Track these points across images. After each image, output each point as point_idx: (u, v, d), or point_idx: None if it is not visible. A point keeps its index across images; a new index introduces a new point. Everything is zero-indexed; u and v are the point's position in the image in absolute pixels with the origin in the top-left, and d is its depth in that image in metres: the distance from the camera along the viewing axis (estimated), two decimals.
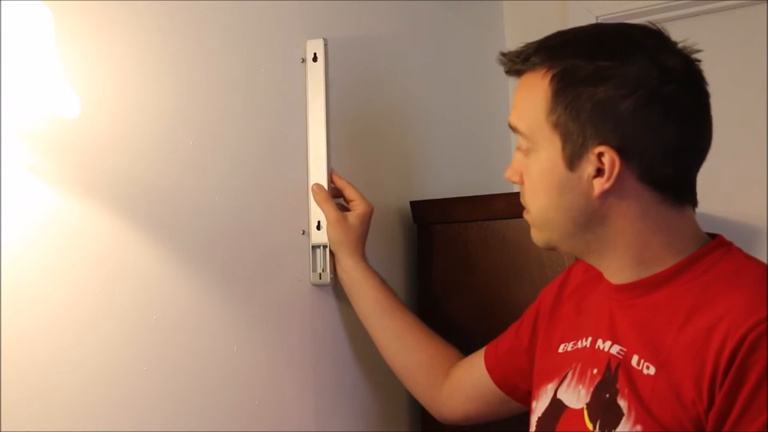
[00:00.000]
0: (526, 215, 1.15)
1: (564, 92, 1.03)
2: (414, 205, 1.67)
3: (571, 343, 1.16)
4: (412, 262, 1.68)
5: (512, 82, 2.07)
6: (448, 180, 1.82)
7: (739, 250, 1.08)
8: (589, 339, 1.12)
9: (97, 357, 1.10)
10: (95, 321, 1.11)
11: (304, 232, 1.43)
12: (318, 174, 1.43)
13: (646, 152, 1.03)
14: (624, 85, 1.01)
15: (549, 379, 1.16)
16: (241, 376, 1.31)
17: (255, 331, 1.34)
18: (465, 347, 1.42)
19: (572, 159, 1.04)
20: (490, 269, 1.59)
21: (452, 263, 1.63)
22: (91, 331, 1.10)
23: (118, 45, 1.16)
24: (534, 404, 1.18)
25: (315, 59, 1.43)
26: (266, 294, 1.36)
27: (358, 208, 1.44)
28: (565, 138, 1.04)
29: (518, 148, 1.11)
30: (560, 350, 1.17)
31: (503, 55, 1.12)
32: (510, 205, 1.60)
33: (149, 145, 1.20)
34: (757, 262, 1.05)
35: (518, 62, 1.09)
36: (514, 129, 1.11)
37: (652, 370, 1.00)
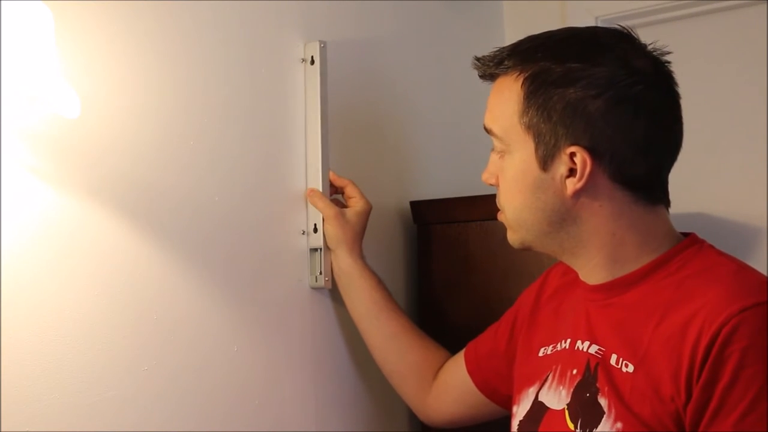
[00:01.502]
0: (500, 216, 1.17)
1: (535, 94, 1.06)
2: (414, 205, 1.67)
3: (551, 347, 1.17)
4: (412, 262, 1.68)
5: None
6: (448, 180, 1.82)
7: (711, 247, 1.10)
8: (568, 340, 1.13)
9: (97, 357, 1.11)
10: (95, 321, 1.11)
11: (304, 232, 1.43)
12: (314, 175, 1.42)
13: (617, 152, 1.05)
14: (593, 86, 1.03)
15: (530, 383, 1.17)
16: (241, 376, 1.31)
17: (255, 331, 1.34)
18: (464, 347, 1.42)
19: (545, 159, 1.06)
20: (490, 269, 1.59)
21: (452, 263, 1.63)
22: (91, 331, 1.10)
23: (118, 45, 1.16)
24: (515, 408, 1.19)
25: (312, 62, 1.43)
26: (266, 294, 1.36)
27: (356, 205, 1.44)
28: (538, 139, 1.06)
29: (493, 151, 1.14)
30: (540, 354, 1.18)
31: (477, 59, 1.13)
32: None
33: (149, 145, 1.20)
34: (729, 258, 1.08)
35: (491, 66, 1.11)
36: (488, 131, 1.13)
37: (630, 368, 1.01)
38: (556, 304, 1.22)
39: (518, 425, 1.17)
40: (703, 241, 1.11)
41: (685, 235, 1.12)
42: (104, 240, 1.13)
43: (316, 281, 1.42)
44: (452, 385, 1.37)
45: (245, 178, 1.35)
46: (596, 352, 1.07)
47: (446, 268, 1.63)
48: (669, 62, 1.10)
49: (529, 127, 1.07)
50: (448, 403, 1.38)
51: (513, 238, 1.15)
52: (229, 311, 1.30)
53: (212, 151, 1.29)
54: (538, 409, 1.13)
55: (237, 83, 1.35)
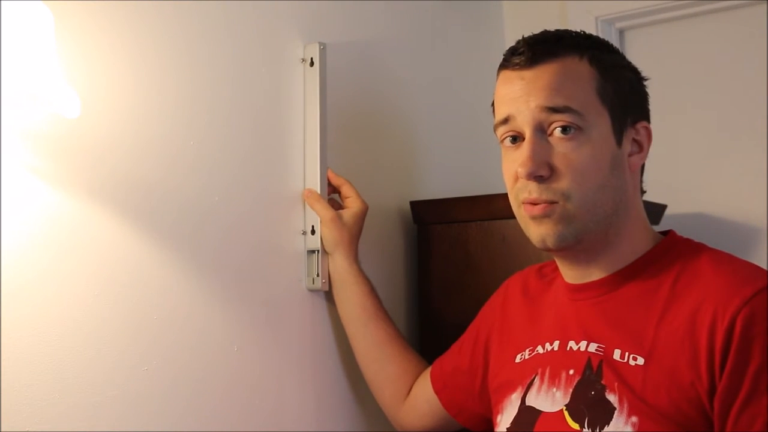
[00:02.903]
0: (550, 208, 1.05)
1: (607, 71, 1.07)
2: (414, 205, 1.67)
3: (527, 351, 1.16)
4: (412, 262, 1.68)
5: None
6: (448, 180, 1.82)
7: (691, 240, 1.12)
8: (556, 342, 1.12)
9: (98, 357, 1.11)
10: (96, 321, 1.11)
11: (304, 232, 1.43)
12: (313, 176, 1.42)
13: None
14: (635, 71, 1.12)
15: (511, 390, 1.16)
16: (242, 376, 1.31)
17: (255, 331, 1.34)
18: (431, 365, 1.43)
19: (619, 134, 1.07)
20: (490, 269, 1.59)
21: (452, 263, 1.63)
22: (92, 331, 1.10)
23: (118, 45, 1.16)
24: (498, 417, 1.17)
25: (312, 64, 1.43)
26: (267, 294, 1.36)
27: (353, 205, 1.43)
28: (613, 113, 1.06)
29: (532, 142, 1.05)
30: (517, 360, 1.18)
31: (527, 44, 1.08)
32: (510, 205, 1.60)
33: (149, 145, 1.20)
34: (714, 250, 1.09)
35: (543, 52, 1.07)
36: (562, 110, 1.04)
37: (640, 361, 1.01)
38: (527, 311, 1.22)
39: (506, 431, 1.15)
40: (683, 237, 1.13)
41: (663, 233, 1.14)
42: (104, 240, 1.13)
43: (314, 283, 1.42)
44: (421, 401, 1.37)
45: (245, 179, 1.35)
46: (596, 349, 1.06)
47: (446, 268, 1.63)
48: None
49: (605, 101, 1.06)
50: (417, 418, 1.39)
51: (567, 231, 1.05)
52: (230, 311, 1.30)
53: (212, 151, 1.29)
54: (527, 413, 1.11)
55: (237, 84, 1.35)
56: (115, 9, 1.16)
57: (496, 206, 1.61)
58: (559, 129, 1.05)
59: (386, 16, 1.69)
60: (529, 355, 1.15)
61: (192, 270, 1.25)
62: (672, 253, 1.09)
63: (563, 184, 1.04)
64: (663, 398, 0.98)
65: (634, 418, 0.99)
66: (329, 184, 1.45)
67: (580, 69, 1.07)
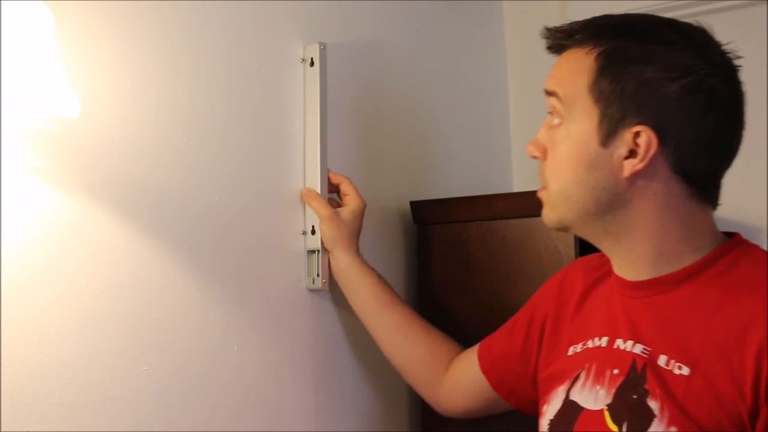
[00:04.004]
0: (541, 193, 1.12)
1: (609, 68, 1.03)
2: (414, 205, 1.67)
3: (581, 344, 1.14)
4: (412, 262, 1.68)
5: (513, 81, 2.08)
6: (448, 180, 1.82)
7: (757, 247, 1.08)
8: (605, 338, 1.10)
9: (98, 357, 1.11)
10: (96, 321, 1.11)
11: (304, 232, 1.43)
12: (313, 176, 1.42)
13: (683, 141, 1.02)
14: (672, 69, 1.01)
15: (559, 382, 1.14)
16: (242, 376, 1.31)
17: (255, 331, 1.34)
18: (465, 347, 1.42)
19: (607, 135, 1.03)
20: (490, 269, 1.59)
21: (452, 263, 1.63)
22: (92, 331, 1.10)
23: (118, 45, 1.16)
24: (544, 408, 1.16)
25: (312, 64, 1.43)
26: (267, 294, 1.36)
27: (351, 203, 1.43)
28: (604, 112, 1.03)
29: (545, 124, 1.10)
30: (570, 353, 1.15)
31: (547, 29, 1.11)
32: (510, 205, 1.60)
33: (149, 145, 1.20)
34: None
35: (562, 37, 1.09)
36: (550, 94, 1.08)
37: (685, 371, 0.99)
38: (582, 301, 1.19)
39: (549, 424, 1.14)
40: (748, 242, 1.09)
41: (729, 235, 1.09)
42: (104, 240, 1.13)
43: (314, 283, 1.42)
44: (465, 381, 1.35)
45: (245, 179, 1.35)
46: (642, 351, 1.04)
47: (446, 268, 1.63)
48: (740, 66, 1.10)
49: (598, 99, 1.03)
50: (461, 397, 1.36)
51: (550, 216, 1.10)
52: (230, 311, 1.30)
53: (212, 151, 1.29)
54: (570, 408, 1.10)
55: (237, 84, 1.35)
56: (115, 9, 1.16)
57: (496, 206, 1.61)
58: (550, 116, 1.08)
59: (386, 16, 1.69)
60: (581, 348, 1.14)
61: (192, 270, 1.25)
62: (730, 258, 1.04)
63: (546, 170, 1.10)
64: (704, 411, 0.96)
65: (673, 429, 0.97)
66: (329, 183, 1.45)
67: (582, 62, 1.05)
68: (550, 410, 1.14)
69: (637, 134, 1.01)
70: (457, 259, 1.62)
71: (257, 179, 1.37)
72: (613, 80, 1.03)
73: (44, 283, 1.05)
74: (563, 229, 1.12)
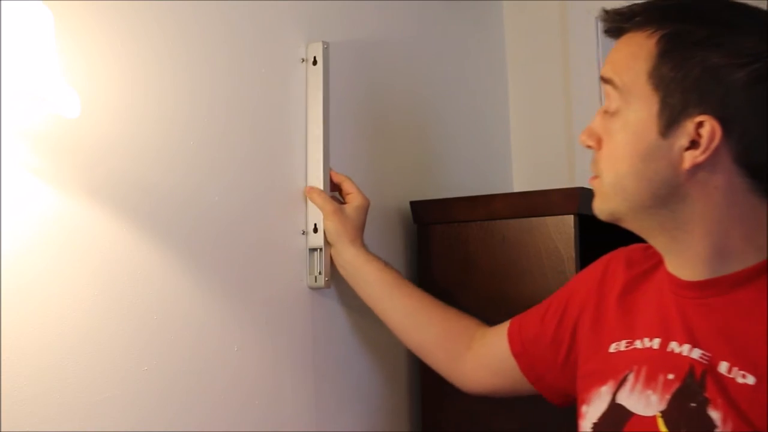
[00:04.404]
0: (593, 182, 1.06)
1: (672, 53, 0.97)
2: (414, 205, 1.67)
3: (624, 342, 1.08)
4: (412, 262, 1.68)
5: (513, 81, 2.08)
6: (448, 180, 1.82)
7: None
8: (656, 340, 1.04)
9: (98, 357, 1.11)
10: (95, 321, 1.11)
11: (304, 232, 1.43)
12: (315, 175, 1.43)
13: (749, 131, 0.96)
14: (740, 54, 0.95)
15: (602, 382, 1.08)
16: (242, 376, 1.31)
17: (255, 331, 1.34)
18: (509, 323, 1.40)
19: (668, 125, 0.97)
20: (490, 269, 1.59)
21: (452, 263, 1.63)
22: (92, 332, 1.10)
23: (118, 45, 1.16)
24: (584, 408, 1.10)
25: (315, 63, 1.43)
26: (267, 293, 1.36)
27: (355, 200, 1.43)
28: (665, 101, 0.97)
29: (600, 111, 1.04)
30: (612, 350, 1.10)
31: (606, 12, 1.04)
32: (510, 205, 1.61)
33: (149, 145, 1.20)
34: None
35: (620, 20, 1.02)
36: (607, 81, 1.02)
37: (750, 380, 0.93)
38: (625, 295, 1.13)
39: (592, 427, 1.07)
40: None
41: None
42: (104, 240, 1.13)
43: (315, 281, 1.42)
44: (494, 360, 1.30)
45: (245, 178, 1.35)
46: (700, 357, 0.98)
47: (446, 268, 1.63)
48: None
49: (658, 87, 0.97)
50: (489, 376, 1.32)
51: (602, 207, 1.04)
52: (230, 311, 1.30)
53: (213, 151, 1.29)
54: (617, 412, 1.04)
55: (238, 83, 1.35)
56: (115, 9, 1.16)
57: (496, 206, 1.61)
58: (606, 104, 1.02)
59: (386, 16, 1.69)
60: (626, 347, 1.08)
61: (192, 269, 1.25)
62: None
63: (601, 161, 1.04)
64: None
65: None
66: (331, 182, 1.44)
67: (642, 47, 0.99)
68: (591, 412, 1.08)
69: (699, 124, 0.95)
70: (457, 259, 1.62)
71: (258, 179, 1.37)
72: (675, 66, 0.96)
73: (44, 282, 1.05)
74: (614, 221, 1.05)
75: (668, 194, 0.99)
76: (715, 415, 0.94)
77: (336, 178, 1.45)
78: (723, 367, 0.96)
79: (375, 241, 1.54)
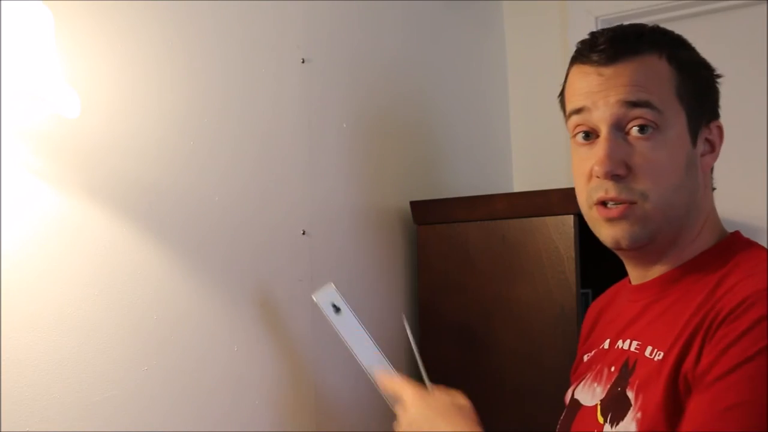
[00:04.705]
0: (628, 209, 1.03)
1: (685, 69, 1.05)
2: (414, 205, 1.67)
3: (593, 351, 1.17)
4: (412, 262, 1.68)
5: (513, 82, 2.08)
6: (448, 180, 1.82)
7: (752, 241, 1.08)
8: (608, 341, 1.12)
9: (98, 357, 1.11)
10: (96, 321, 1.11)
11: (304, 232, 1.43)
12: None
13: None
14: (710, 67, 1.09)
15: (572, 386, 1.17)
16: (241, 376, 1.31)
17: (254, 331, 1.34)
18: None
19: (693, 135, 1.04)
20: (490, 269, 1.59)
21: (452, 263, 1.63)
22: (92, 331, 1.10)
23: (118, 45, 1.17)
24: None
25: (338, 310, 1.26)
26: (267, 294, 1.36)
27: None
28: (689, 114, 1.04)
29: (609, 138, 1.03)
30: (585, 360, 1.18)
31: (608, 41, 1.06)
32: (510, 205, 1.61)
33: (149, 145, 1.20)
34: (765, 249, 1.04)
35: (633, 42, 1.05)
36: (644, 104, 1.02)
37: (660, 355, 0.98)
38: (601, 317, 1.22)
39: (559, 424, 1.16)
40: (746, 238, 1.09)
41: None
42: (104, 240, 1.13)
43: None
44: None
45: (245, 178, 1.35)
46: (636, 348, 1.04)
47: (446, 268, 1.63)
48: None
49: (682, 101, 1.04)
50: None
51: (641, 233, 1.03)
52: (229, 311, 1.30)
53: (212, 151, 1.29)
54: (573, 406, 1.12)
55: (236, 82, 1.35)
56: (115, 9, 1.16)
57: (496, 206, 1.61)
58: (637, 128, 1.02)
59: (386, 16, 1.69)
60: (594, 354, 1.16)
61: (192, 270, 1.25)
62: (727, 253, 1.04)
63: (641, 184, 1.02)
64: (662, 390, 0.95)
65: (638, 414, 0.97)
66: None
67: (660, 67, 1.04)
68: (564, 412, 1.16)
69: (711, 130, 1.06)
70: (457, 259, 1.62)
71: (258, 178, 1.37)
72: (692, 80, 1.05)
73: (44, 282, 1.05)
74: (640, 247, 1.05)
75: (693, 200, 1.05)
76: (630, 394, 1.00)
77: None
78: (648, 351, 1.02)
79: (375, 240, 1.54)
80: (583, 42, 1.08)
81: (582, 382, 1.13)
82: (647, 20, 1.98)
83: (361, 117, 1.60)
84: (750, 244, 1.07)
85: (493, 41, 2.06)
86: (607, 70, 1.04)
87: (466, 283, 1.61)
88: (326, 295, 1.25)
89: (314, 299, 1.25)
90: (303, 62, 1.44)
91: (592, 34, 1.09)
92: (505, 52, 2.08)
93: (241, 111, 1.35)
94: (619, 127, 1.03)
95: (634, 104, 1.02)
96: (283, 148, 1.42)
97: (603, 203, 1.03)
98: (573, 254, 1.49)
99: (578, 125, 1.06)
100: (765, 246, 1.08)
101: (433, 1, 1.83)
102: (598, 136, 1.04)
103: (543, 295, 1.53)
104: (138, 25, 1.19)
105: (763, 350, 0.88)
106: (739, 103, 1.87)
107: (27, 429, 1.02)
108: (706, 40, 2.01)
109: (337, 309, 1.25)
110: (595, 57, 1.05)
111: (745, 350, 0.88)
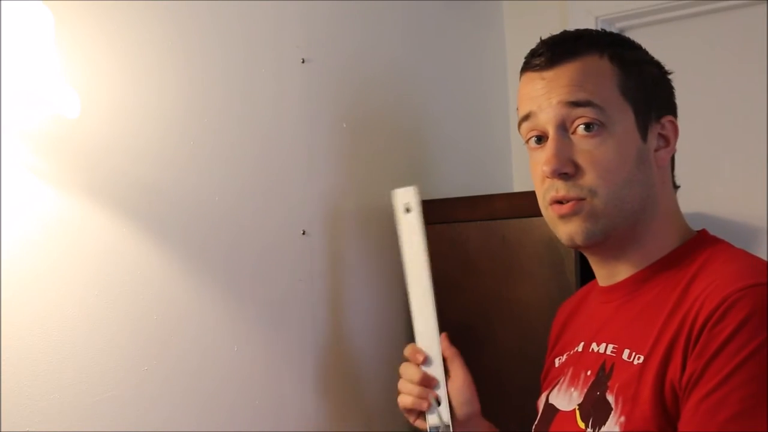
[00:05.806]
0: (577, 205, 1.04)
1: (629, 67, 1.06)
2: None
3: (565, 355, 1.17)
4: None
5: (513, 81, 2.07)
6: (448, 180, 1.82)
7: (719, 239, 1.09)
8: (582, 344, 1.12)
9: (98, 357, 1.11)
10: (96, 321, 1.11)
11: (304, 232, 1.43)
12: (427, 345, 1.26)
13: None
14: (659, 65, 1.11)
15: (545, 390, 1.17)
16: (241, 376, 1.31)
17: (255, 331, 1.34)
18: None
19: (643, 130, 1.06)
20: (490, 269, 1.59)
21: (452, 263, 1.63)
22: (92, 331, 1.10)
23: (118, 45, 1.17)
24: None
25: (408, 210, 1.28)
26: (266, 294, 1.37)
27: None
28: (636, 109, 1.05)
29: (555, 139, 1.05)
30: (556, 364, 1.18)
31: (548, 43, 1.09)
32: (510, 205, 1.61)
33: (150, 145, 1.20)
34: (734, 247, 1.06)
35: (571, 45, 1.07)
36: (583, 104, 1.04)
37: (641, 359, 0.99)
38: (570, 321, 1.22)
39: (534, 429, 1.16)
40: (713, 236, 1.10)
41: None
42: (104, 240, 1.13)
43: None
44: None
45: (245, 178, 1.35)
46: (611, 351, 1.05)
47: (446, 268, 1.63)
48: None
49: (627, 97, 1.05)
50: None
51: (592, 229, 1.04)
52: (229, 311, 1.30)
53: (212, 151, 1.29)
54: (549, 411, 1.12)
55: (236, 82, 1.35)
56: (116, 9, 1.16)
57: (496, 206, 1.61)
58: (582, 126, 1.04)
59: (386, 16, 1.69)
60: (566, 358, 1.16)
61: (192, 270, 1.25)
62: (696, 251, 1.05)
63: (589, 180, 1.04)
64: (649, 397, 0.96)
65: (622, 418, 0.97)
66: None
67: (601, 66, 1.06)
68: (539, 417, 1.16)
69: (663, 125, 1.07)
70: (457, 259, 1.62)
71: (258, 178, 1.37)
72: (636, 77, 1.06)
73: (44, 283, 1.06)
74: (603, 240, 1.06)
75: (649, 196, 1.06)
76: (611, 398, 1.00)
77: (448, 353, 1.28)
78: (625, 354, 1.02)
79: (375, 240, 1.54)
80: (530, 51, 1.10)
81: (557, 387, 1.13)
82: (647, 20, 1.99)
83: (361, 117, 1.60)
84: (717, 241, 1.08)
85: (493, 41, 2.06)
86: (549, 74, 1.07)
87: (466, 283, 1.61)
88: (405, 194, 1.30)
89: (392, 194, 1.30)
90: (303, 62, 1.45)
91: (539, 42, 1.11)
92: (505, 52, 2.08)
93: (241, 111, 1.35)
94: (564, 127, 1.05)
95: (576, 104, 1.04)
96: (283, 148, 1.42)
97: (557, 202, 1.06)
98: (573, 254, 1.49)
99: (530, 131, 1.09)
100: (765, 245, 1.08)
101: (432, 1, 1.83)
102: (548, 138, 1.07)
103: (543, 295, 1.53)
104: (138, 25, 1.19)
105: (751, 354, 0.88)
106: (739, 103, 1.87)
107: (27, 429, 1.02)
108: (706, 40, 2.01)
109: (407, 210, 1.29)
110: (536, 62, 1.08)
111: (733, 356, 0.89)
